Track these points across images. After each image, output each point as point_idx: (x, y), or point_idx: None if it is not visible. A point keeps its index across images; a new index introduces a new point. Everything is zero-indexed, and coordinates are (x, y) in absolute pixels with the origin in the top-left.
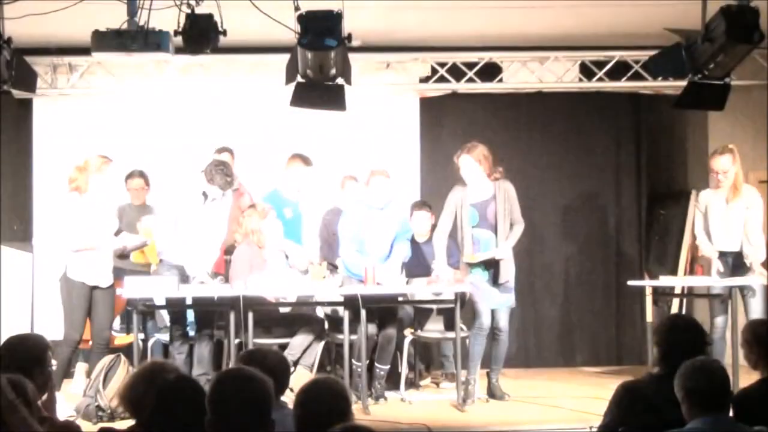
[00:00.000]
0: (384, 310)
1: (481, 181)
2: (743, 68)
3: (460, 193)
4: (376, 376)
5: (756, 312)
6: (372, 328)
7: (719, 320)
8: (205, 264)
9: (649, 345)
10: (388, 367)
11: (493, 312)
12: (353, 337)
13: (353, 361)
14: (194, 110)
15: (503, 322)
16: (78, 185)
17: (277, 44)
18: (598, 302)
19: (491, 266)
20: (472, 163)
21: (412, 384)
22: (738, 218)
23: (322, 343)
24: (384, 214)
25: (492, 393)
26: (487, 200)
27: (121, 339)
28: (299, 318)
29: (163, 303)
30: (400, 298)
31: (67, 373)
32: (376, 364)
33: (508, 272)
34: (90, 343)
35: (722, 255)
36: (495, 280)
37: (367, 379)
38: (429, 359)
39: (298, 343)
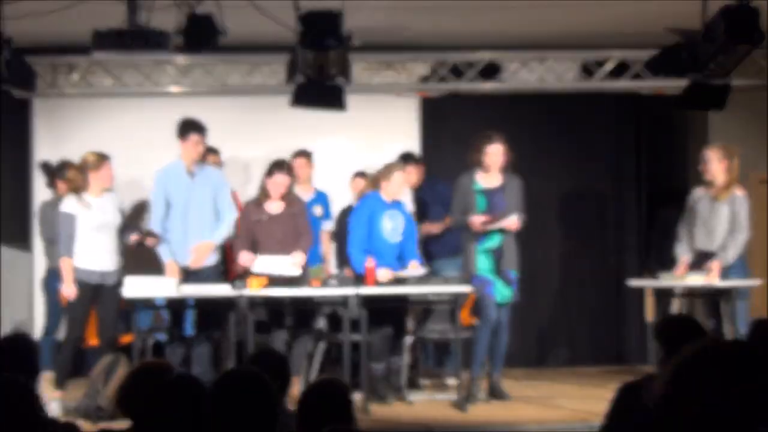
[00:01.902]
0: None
1: (497, 170)
2: (743, 68)
3: (467, 180)
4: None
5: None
6: (388, 330)
7: (712, 321)
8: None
9: (649, 345)
10: (382, 365)
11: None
12: (356, 336)
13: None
14: (193, 110)
15: (505, 316)
16: (78, 185)
17: (277, 44)
18: (598, 302)
19: (496, 253)
20: (501, 151)
21: (413, 384)
22: (722, 219)
23: (321, 345)
24: (395, 210)
25: (493, 393)
26: (496, 188)
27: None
28: (300, 319)
29: (163, 303)
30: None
31: (71, 372)
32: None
33: (510, 261)
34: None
35: (705, 255)
36: (498, 269)
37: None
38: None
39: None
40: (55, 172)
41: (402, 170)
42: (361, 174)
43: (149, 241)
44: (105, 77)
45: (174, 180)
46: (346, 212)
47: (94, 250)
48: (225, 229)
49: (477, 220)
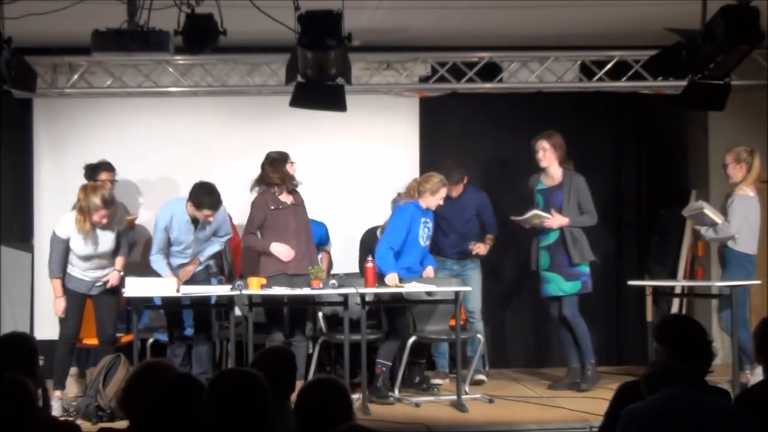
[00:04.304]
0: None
1: (552, 168)
2: (743, 68)
3: (534, 179)
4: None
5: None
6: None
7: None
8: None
9: (649, 345)
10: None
11: (558, 300)
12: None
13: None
14: (193, 110)
15: (566, 309)
16: (81, 206)
17: (277, 44)
18: (598, 302)
19: (551, 250)
20: (548, 148)
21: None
22: (727, 217)
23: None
24: (427, 217)
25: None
26: (554, 187)
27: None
28: (298, 320)
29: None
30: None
31: (67, 371)
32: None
33: (575, 256)
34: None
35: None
36: (557, 266)
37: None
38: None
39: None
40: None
41: (447, 186)
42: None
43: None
44: (105, 77)
45: (177, 224)
46: (370, 237)
47: (81, 270)
48: (217, 247)
49: (513, 219)
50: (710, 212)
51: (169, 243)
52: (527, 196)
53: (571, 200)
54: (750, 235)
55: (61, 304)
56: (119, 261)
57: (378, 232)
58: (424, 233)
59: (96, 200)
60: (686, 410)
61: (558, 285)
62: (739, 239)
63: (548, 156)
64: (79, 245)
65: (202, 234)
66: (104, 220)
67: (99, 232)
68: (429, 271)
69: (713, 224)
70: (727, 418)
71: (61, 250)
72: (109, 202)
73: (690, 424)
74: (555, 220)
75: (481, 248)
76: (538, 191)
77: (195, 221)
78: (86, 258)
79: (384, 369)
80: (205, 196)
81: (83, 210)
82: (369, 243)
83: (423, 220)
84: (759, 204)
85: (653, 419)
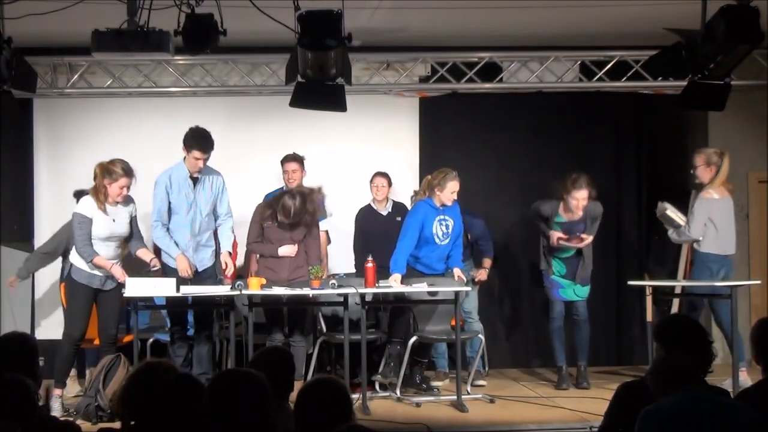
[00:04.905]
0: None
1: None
2: (743, 68)
3: (550, 208)
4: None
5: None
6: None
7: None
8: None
9: (649, 345)
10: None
11: (571, 301)
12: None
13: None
14: (193, 110)
15: (584, 311)
16: (98, 188)
17: (277, 44)
18: (598, 302)
19: (570, 262)
20: (586, 195)
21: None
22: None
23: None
24: (446, 215)
25: (578, 382)
26: (575, 222)
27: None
28: (298, 320)
29: (163, 303)
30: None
31: (68, 371)
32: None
33: (589, 265)
34: (97, 341)
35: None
36: (574, 273)
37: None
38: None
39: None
40: None
41: (456, 179)
42: (381, 174)
43: (153, 262)
44: (105, 77)
45: (176, 186)
46: (365, 212)
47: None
48: (229, 232)
49: (555, 236)
50: (673, 214)
51: (169, 212)
52: (538, 217)
53: (592, 227)
54: (716, 236)
55: (118, 268)
56: (147, 252)
57: (372, 203)
58: (439, 231)
59: (117, 169)
60: (704, 411)
61: (575, 290)
62: (704, 241)
63: (582, 204)
64: (100, 225)
65: (202, 196)
66: (125, 191)
67: (115, 210)
68: (457, 272)
69: (678, 226)
70: (737, 419)
71: (88, 231)
72: (129, 171)
73: (708, 426)
74: (585, 242)
75: (482, 274)
76: (557, 223)
77: (194, 181)
78: (106, 239)
79: (389, 346)
80: (194, 138)
81: (98, 188)
82: (362, 221)
83: (439, 218)
84: (728, 205)
85: (672, 421)
